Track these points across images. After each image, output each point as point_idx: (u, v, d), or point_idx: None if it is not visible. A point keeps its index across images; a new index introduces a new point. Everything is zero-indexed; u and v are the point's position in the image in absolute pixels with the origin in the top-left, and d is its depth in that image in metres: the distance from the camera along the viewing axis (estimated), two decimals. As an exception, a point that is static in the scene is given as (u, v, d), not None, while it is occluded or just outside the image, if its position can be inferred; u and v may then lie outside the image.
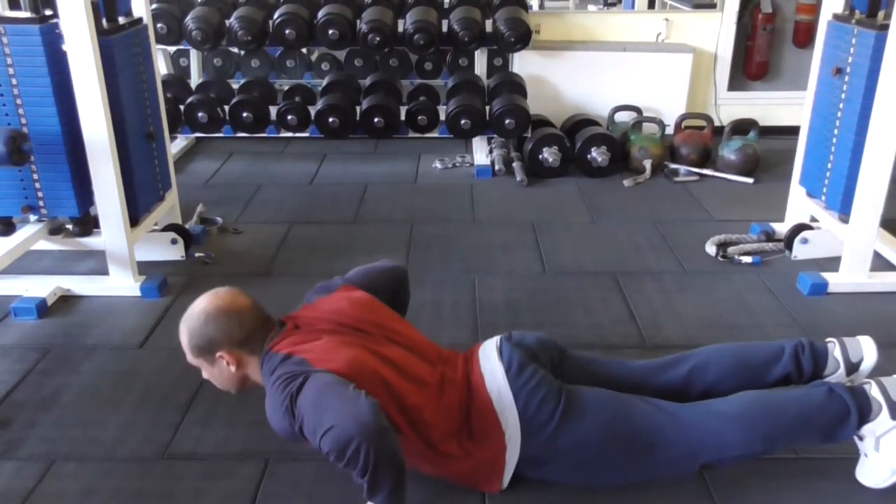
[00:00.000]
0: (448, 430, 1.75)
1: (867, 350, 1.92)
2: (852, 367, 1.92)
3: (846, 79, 2.84)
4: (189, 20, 4.30)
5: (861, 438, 1.79)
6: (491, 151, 4.40)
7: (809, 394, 1.79)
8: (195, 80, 4.89)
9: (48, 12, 2.61)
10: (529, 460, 1.76)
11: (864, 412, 1.73)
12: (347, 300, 1.91)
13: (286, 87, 4.86)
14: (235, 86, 4.76)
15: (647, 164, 4.15)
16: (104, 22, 2.72)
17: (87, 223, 2.89)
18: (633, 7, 6.04)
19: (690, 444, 1.73)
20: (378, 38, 4.27)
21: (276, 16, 4.31)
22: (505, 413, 1.75)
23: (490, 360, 1.85)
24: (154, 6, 4.36)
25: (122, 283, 2.84)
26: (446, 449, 1.75)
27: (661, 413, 1.78)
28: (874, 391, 1.75)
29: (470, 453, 1.76)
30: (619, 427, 1.75)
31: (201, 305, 1.76)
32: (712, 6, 4.96)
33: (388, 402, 1.65)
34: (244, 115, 4.31)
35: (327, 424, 1.48)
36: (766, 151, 4.25)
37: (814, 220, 3.19)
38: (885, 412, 1.72)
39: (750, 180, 4.05)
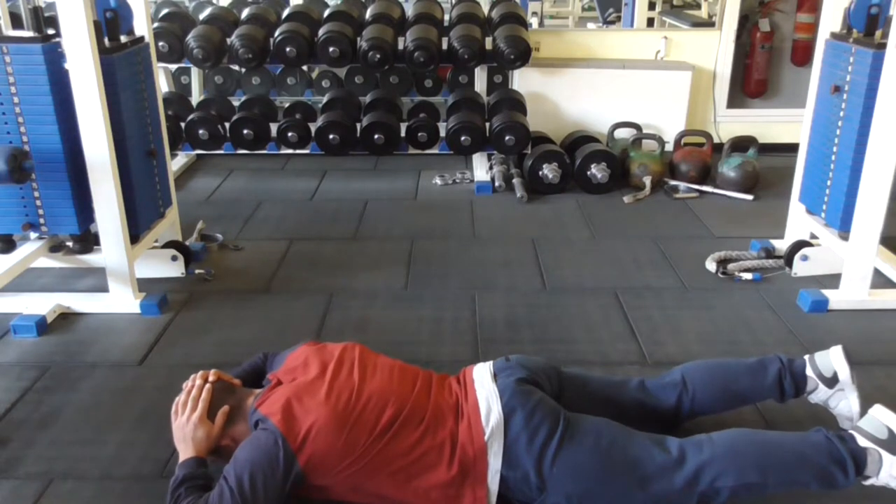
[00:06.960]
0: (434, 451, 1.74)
1: (837, 362, 1.96)
2: (830, 381, 1.97)
3: (844, 97, 2.85)
4: (190, 38, 4.33)
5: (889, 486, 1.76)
6: (491, 168, 4.41)
7: (805, 434, 1.79)
8: (196, 97, 4.92)
9: (50, 31, 2.63)
10: (524, 487, 1.74)
11: (860, 460, 1.71)
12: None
13: (287, 105, 4.89)
14: (236, 103, 4.79)
15: (647, 180, 4.16)
16: (106, 41, 2.74)
17: (88, 240, 2.88)
18: (632, 25, 6.08)
19: (685, 473, 1.72)
20: (378, 56, 4.29)
21: (276, 34, 4.34)
22: (493, 441, 1.73)
23: (484, 385, 1.85)
24: (156, 25, 4.39)
25: (122, 301, 2.84)
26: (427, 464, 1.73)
27: (656, 444, 1.78)
28: (861, 441, 1.73)
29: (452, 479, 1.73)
30: (616, 455, 1.75)
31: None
32: (711, 24, 4.99)
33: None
34: (245, 132, 4.33)
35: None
36: (766, 169, 4.26)
37: (814, 237, 3.20)
38: (886, 455, 1.71)
39: (749, 197, 4.06)
